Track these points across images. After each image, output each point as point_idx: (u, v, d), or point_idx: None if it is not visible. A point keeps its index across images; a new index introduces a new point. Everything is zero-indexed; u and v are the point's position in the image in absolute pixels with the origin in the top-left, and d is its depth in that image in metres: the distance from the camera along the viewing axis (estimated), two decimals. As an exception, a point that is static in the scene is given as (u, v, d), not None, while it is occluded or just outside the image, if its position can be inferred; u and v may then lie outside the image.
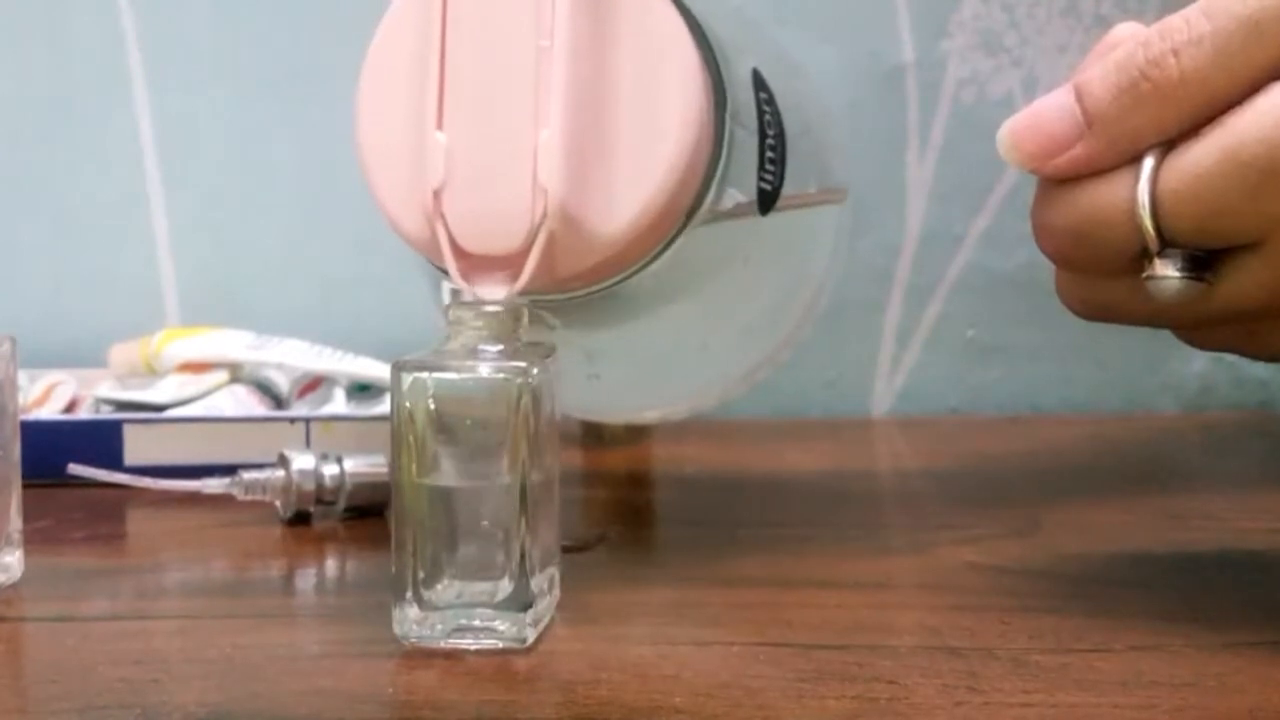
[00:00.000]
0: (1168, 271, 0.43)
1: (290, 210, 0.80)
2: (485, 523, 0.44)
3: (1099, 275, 0.45)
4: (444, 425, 0.44)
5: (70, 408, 0.69)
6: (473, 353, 0.45)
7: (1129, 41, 0.44)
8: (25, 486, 0.51)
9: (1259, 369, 0.79)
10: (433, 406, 0.44)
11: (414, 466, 0.44)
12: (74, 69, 0.79)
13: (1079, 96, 0.44)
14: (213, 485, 0.57)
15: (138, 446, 0.63)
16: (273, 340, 0.70)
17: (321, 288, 0.80)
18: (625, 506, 0.65)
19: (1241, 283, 0.43)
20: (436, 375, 0.44)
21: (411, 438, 0.44)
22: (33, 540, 0.52)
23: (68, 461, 0.58)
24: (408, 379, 0.44)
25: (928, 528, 0.58)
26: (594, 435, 0.73)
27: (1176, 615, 0.47)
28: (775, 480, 0.67)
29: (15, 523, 0.50)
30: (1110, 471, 0.68)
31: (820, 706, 0.40)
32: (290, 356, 0.70)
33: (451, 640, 0.44)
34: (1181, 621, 0.46)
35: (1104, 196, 0.44)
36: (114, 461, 0.62)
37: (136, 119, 0.79)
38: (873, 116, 0.79)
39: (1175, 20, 0.43)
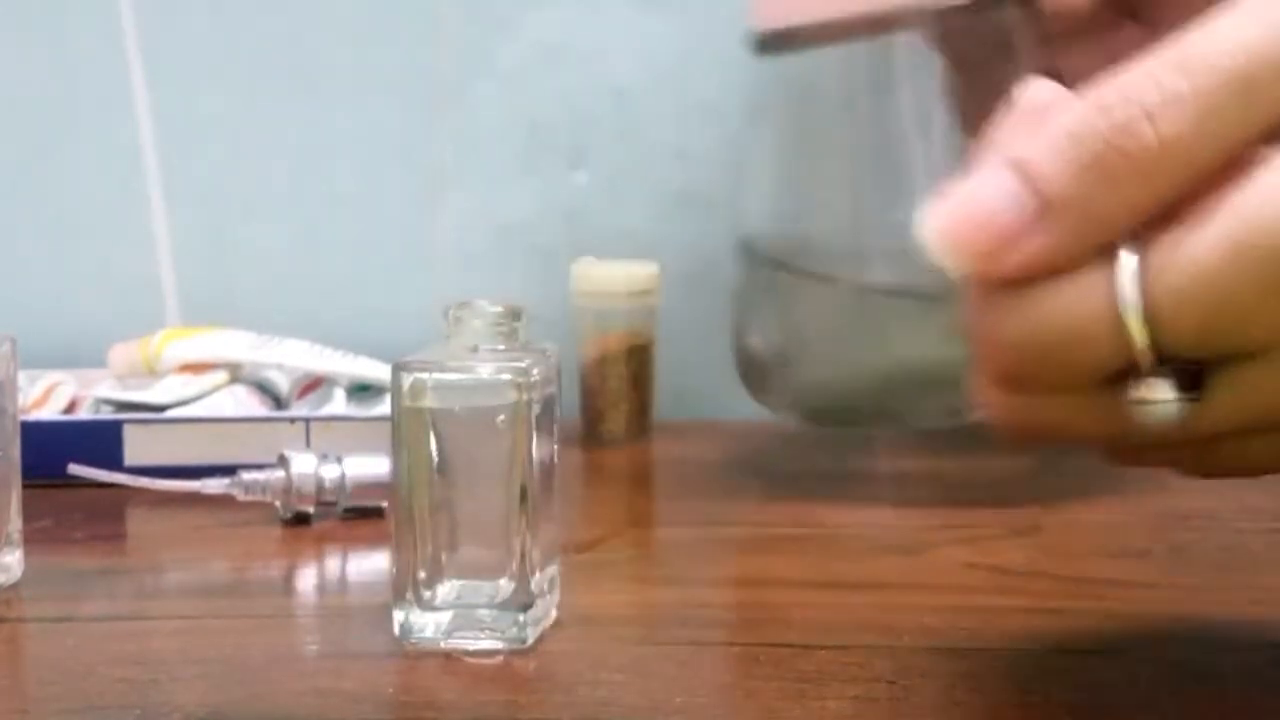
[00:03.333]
0: (1162, 393, 0.35)
1: (290, 211, 0.80)
2: (485, 522, 0.44)
3: (1051, 394, 0.37)
4: (444, 425, 0.44)
5: (70, 408, 0.69)
6: (473, 353, 0.45)
7: (1074, 106, 0.35)
8: (25, 486, 0.51)
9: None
10: (433, 406, 0.44)
11: (414, 466, 0.44)
12: (74, 69, 0.79)
13: (1025, 177, 0.35)
14: (213, 485, 0.58)
15: (138, 446, 0.63)
16: (273, 340, 0.70)
17: (321, 288, 0.80)
18: (625, 507, 0.65)
19: (1238, 398, 0.36)
20: (436, 375, 0.44)
21: (411, 438, 0.44)
22: (33, 540, 0.52)
23: (68, 461, 0.58)
24: (408, 379, 0.44)
25: (928, 528, 0.58)
26: (594, 435, 0.73)
27: (1176, 615, 0.47)
28: (775, 480, 0.67)
29: (15, 523, 0.50)
30: (1110, 471, 0.68)
31: (820, 706, 0.40)
32: (290, 356, 0.70)
33: (451, 640, 0.44)
34: (1181, 621, 0.46)
35: (1075, 302, 0.35)
36: (114, 461, 0.62)
37: (136, 119, 0.79)
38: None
39: (1137, 78, 0.35)
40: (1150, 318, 0.34)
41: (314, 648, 0.46)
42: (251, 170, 0.80)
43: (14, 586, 0.50)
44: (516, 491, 0.44)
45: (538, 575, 0.44)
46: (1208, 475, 0.39)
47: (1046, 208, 0.35)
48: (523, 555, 0.44)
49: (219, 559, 0.55)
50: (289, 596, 0.52)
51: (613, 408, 0.73)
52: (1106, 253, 0.35)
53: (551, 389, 0.45)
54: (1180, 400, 0.35)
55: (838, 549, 0.55)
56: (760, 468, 0.69)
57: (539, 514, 0.44)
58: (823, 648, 0.44)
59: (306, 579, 0.53)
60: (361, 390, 0.69)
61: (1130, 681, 0.42)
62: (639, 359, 0.73)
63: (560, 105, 0.79)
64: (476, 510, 0.44)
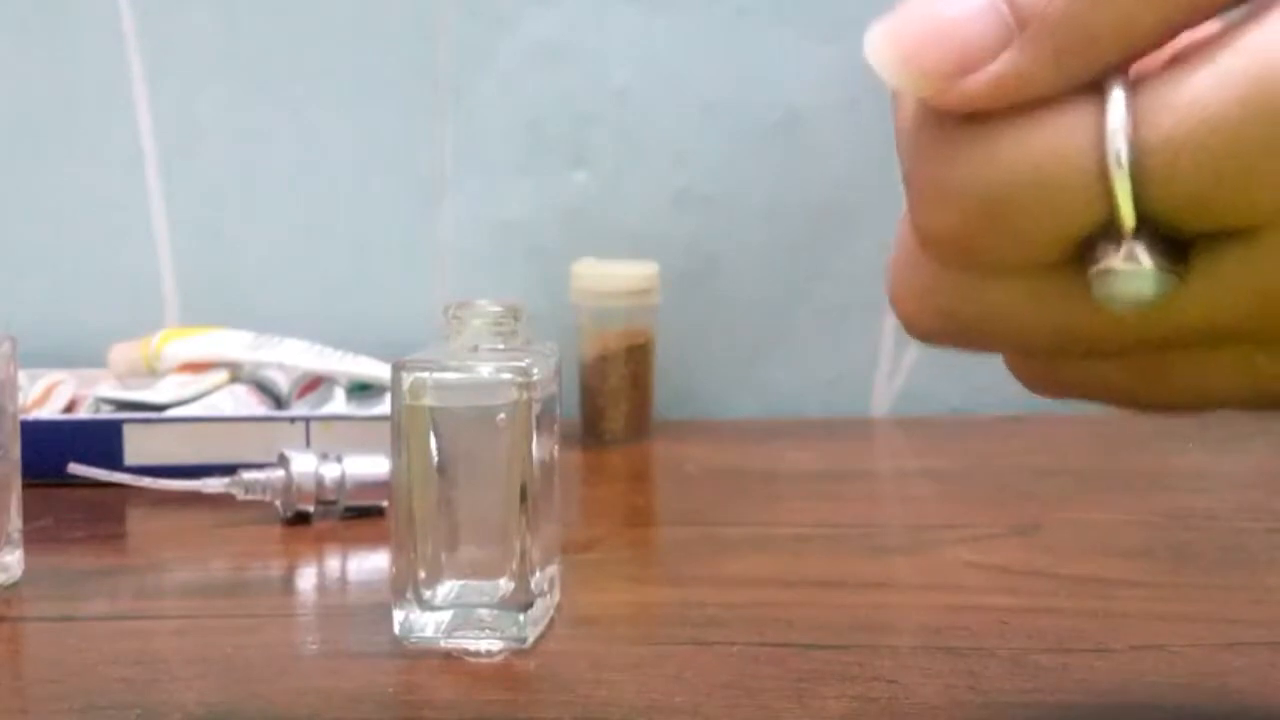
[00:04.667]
0: (1140, 262, 0.28)
1: (290, 210, 0.80)
2: (485, 522, 0.44)
3: (993, 270, 0.30)
4: (444, 425, 0.44)
5: (70, 408, 0.69)
6: (473, 353, 0.45)
7: None
8: (25, 486, 0.51)
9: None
10: (433, 406, 0.44)
11: (414, 466, 0.44)
12: (74, 69, 0.79)
13: None
14: (213, 485, 0.57)
15: (138, 446, 0.63)
16: (273, 340, 0.70)
17: (321, 288, 0.80)
18: (625, 506, 0.65)
19: (1222, 285, 0.29)
20: (436, 375, 0.44)
21: (411, 438, 0.44)
22: (33, 540, 0.52)
23: (68, 461, 0.58)
24: (408, 379, 0.44)
25: (928, 527, 0.58)
26: (594, 435, 0.73)
27: (1176, 615, 0.47)
28: (775, 480, 0.67)
29: (15, 523, 0.50)
30: (1110, 471, 0.68)
31: (820, 706, 0.40)
32: (290, 356, 0.70)
33: (451, 640, 0.44)
34: (1181, 621, 0.46)
35: (1049, 142, 0.28)
36: (114, 461, 0.62)
37: (136, 119, 0.79)
38: (872, 116, 0.79)
39: None
40: (1139, 168, 0.28)
41: (314, 647, 0.46)
42: (251, 170, 0.80)
43: (14, 586, 0.50)
44: (516, 491, 0.44)
45: (537, 575, 0.44)
46: (1150, 405, 0.32)
47: (1025, 20, 0.28)
48: (523, 555, 0.44)
49: (219, 558, 0.55)
50: (289, 596, 0.52)
51: (612, 407, 0.73)
52: (1091, 87, 0.28)
53: (552, 388, 0.45)
54: (1160, 271, 0.28)
55: (838, 549, 0.55)
56: (760, 467, 0.69)
57: (539, 514, 0.44)
58: (823, 648, 0.44)
59: (306, 579, 0.53)
60: (361, 390, 0.69)
61: (1130, 681, 0.42)
62: (638, 358, 0.73)
63: (560, 105, 0.79)
64: (476, 510, 0.44)
